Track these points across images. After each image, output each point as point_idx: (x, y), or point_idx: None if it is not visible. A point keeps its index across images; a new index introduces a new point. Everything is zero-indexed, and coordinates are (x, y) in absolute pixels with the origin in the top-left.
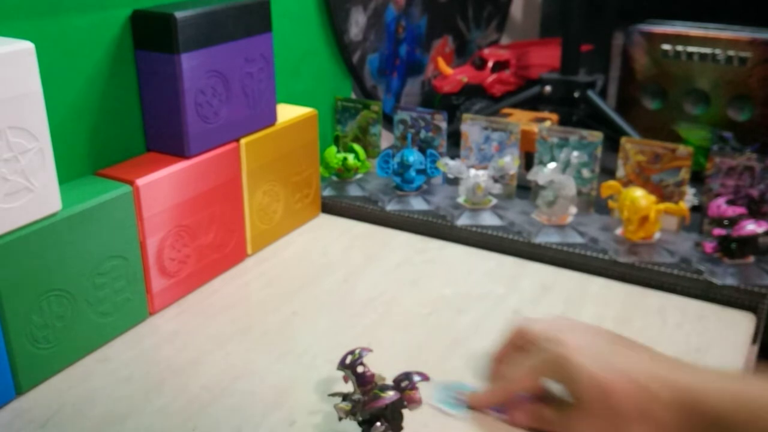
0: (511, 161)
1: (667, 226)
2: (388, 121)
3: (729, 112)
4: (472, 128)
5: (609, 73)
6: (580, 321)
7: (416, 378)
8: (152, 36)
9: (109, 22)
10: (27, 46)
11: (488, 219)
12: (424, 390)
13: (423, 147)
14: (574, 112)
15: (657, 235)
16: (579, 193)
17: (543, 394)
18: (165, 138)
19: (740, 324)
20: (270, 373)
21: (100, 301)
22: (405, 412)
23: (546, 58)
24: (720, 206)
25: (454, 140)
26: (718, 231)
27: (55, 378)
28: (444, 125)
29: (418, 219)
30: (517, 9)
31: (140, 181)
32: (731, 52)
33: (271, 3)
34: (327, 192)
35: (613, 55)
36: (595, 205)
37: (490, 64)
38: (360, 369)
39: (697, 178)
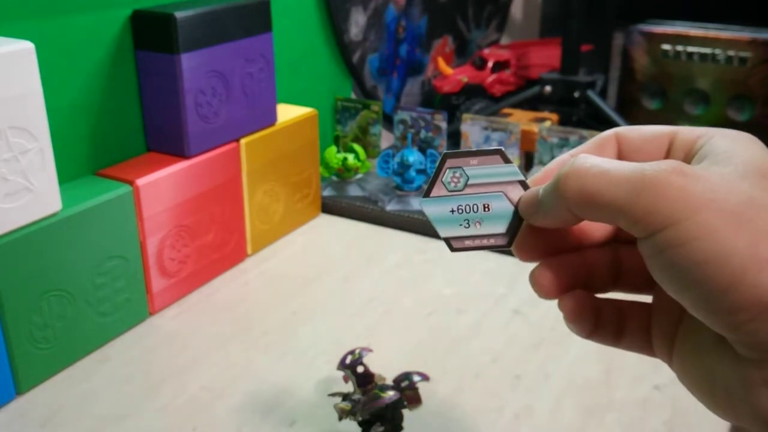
0: None
1: None
2: (388, 121)
3: (729, 112)
4: (472, 128)
5: (609, 73)
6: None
7: (416, 378)
8: (152, 36)
9: (109, 22)
10: (27, 46)
11: None
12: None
13: (423, 147)
14: (574, 112)
15: None
16: None
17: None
18: (165, 138)
19: None
20: (270, 373)
21: (100, 301)
22: (405, 412)
23: (546, 58)
24: None
25: (454, 140)
26: None
27: (55, 378)
28: (444, 125)
29: (418, 219)
30: (517, 9)
31: (140, 181)
32: (731, 52)
33: (271, 3)
34: (327, 192)
35: (613, 55)
36: None
37: (490, 64)
38: (360, 369)
39: None
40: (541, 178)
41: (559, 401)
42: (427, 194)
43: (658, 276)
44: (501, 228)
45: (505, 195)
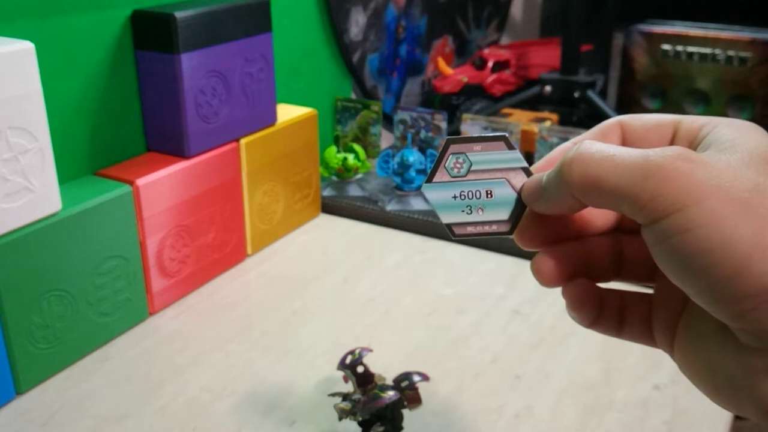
0: None
1: None
2: (388, 121)
3: (729, 112)
4: (472, 128)
5: (609, 73)
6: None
7: (416, 378)
8: (152, 36)
9: (109, 22)
10: (27, 46)
11: None
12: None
13: (423, 147)
14: (574, 112)
15: None
16: None
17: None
18: (165, 138)
19: None
20: (270, 373)
21: (100, 301)
22: (405, 412)
23: (546, 58)
24: None
25: None
26: None
27: (55, 378)
28: (444, 125)
29: (418, 219)
30: (517, 9)
31: (140, 181)
32: (731, 52)
33: (271, 3)
34: (327, 192)
35: (613, 55)
36: None
37: (490, 64)
38: (360, 369)
39: None
40: (543, 165)
41: (559, 401)
42: (429, 180)
43: (662, 263)
44: (503, 215)
45: (508, 181)
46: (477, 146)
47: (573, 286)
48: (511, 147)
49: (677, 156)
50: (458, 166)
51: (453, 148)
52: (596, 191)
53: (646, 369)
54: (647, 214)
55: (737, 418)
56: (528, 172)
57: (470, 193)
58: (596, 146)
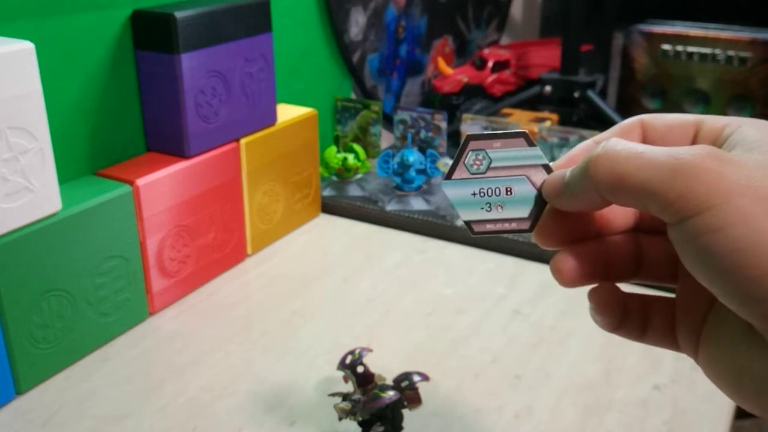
0: None
1: None
2: (388, 121)
3: (729, 112)
4: (472, 128)
5: (609, 73)
6: None
7: (416, 378)
8: (152, 36)
9: (109, 22)
10: (27, 46)
11: None
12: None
13: (423, 147)
14: (574, 112)
15: None
16: None
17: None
18: (165, 138)
19: None
20: (270, 373)
21: (100, 301)
22: (405, 412)
23: (546, 58)
24: None
25: (454, 140)
26: None
27: (55, 378)
28: (444, 125)
29: (418, 219)
30: (517, 9)
31: (140, 181)
32: (731, 52)
33: (271, 3)
34: (327, 192)
35: (613, 55)
36: None
37: (490, 64)
38: (360, 369)
39: None
40: (564, 162)
41: (559, 401)
42: (448, 176)
43: (690, 263)
44: (523, 212)
45: (528, 179)
46: (497, 143)
47: (599, 291)
48: (531, 144)
49: (707, 154)
50: (478, 162)
51: (473, 144)
52: (623, 188)
53: (646, 369)
54: (675, 212)
55: (737, 418)
56: (548, 169)
57: (490, 190)
58: (623, 143)
